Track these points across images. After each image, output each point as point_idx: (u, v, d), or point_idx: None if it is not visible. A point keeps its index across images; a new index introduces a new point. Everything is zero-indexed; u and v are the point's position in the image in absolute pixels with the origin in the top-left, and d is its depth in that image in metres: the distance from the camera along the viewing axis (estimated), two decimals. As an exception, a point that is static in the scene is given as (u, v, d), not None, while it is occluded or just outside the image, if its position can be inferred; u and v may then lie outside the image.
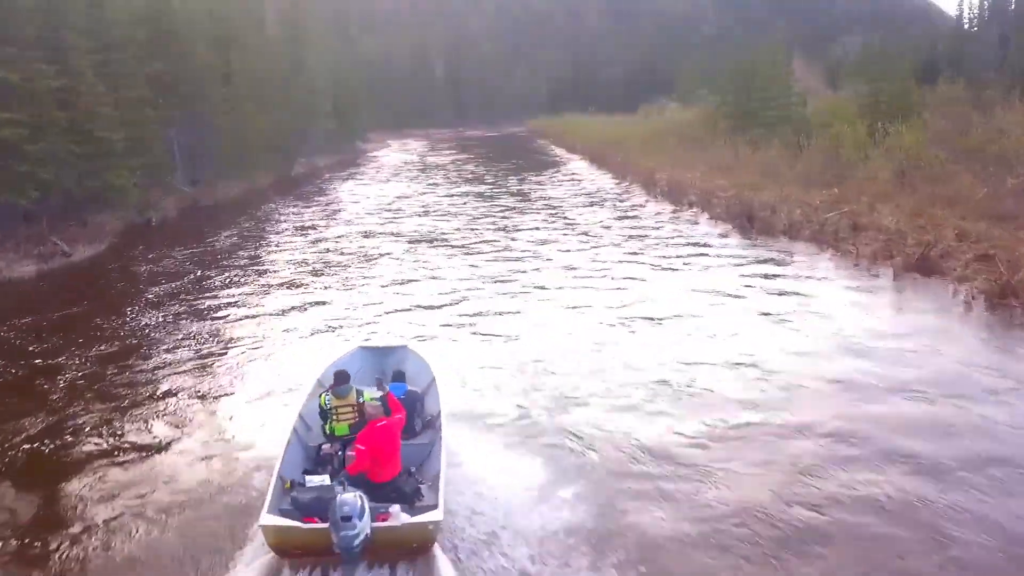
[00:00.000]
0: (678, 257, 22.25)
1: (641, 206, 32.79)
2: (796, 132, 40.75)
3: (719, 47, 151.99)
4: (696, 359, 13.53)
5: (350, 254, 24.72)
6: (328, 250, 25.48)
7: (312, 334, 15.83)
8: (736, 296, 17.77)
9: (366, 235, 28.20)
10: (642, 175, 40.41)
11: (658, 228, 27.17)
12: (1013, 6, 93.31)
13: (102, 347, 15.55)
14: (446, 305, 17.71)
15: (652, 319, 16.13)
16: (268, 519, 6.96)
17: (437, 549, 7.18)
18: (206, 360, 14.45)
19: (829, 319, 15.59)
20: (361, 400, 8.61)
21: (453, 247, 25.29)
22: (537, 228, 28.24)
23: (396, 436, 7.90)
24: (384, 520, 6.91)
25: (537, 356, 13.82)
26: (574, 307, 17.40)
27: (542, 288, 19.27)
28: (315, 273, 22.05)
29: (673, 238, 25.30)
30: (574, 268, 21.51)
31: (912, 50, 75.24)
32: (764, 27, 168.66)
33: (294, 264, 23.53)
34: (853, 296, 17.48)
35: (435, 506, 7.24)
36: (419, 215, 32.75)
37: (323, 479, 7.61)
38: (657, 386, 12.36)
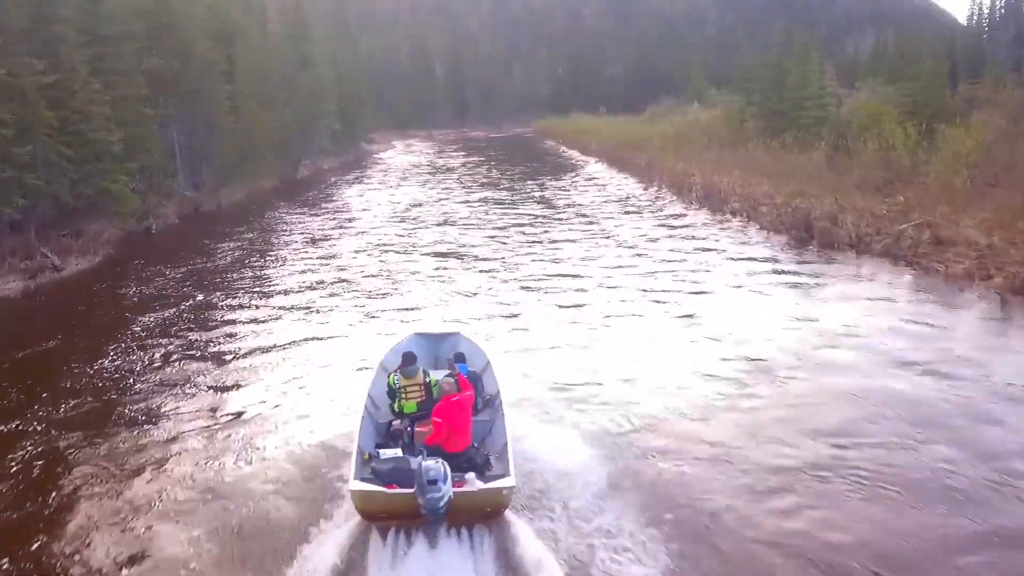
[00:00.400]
0: (738, 275, 19.70)
1: (680, 215, 30.22)
2: (834, 134, 38.55)
3: (721, 47, 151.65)
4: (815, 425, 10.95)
5: (370, 273, 21.61)
6: (344, 267, 22.58)
7: (328, 371, 13.54)
8: (824, 326, 15.17)
9: (384, 248, 25.41)
10: (672, 179, 37.89)
11: (706, 239, 24.65)
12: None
13: (107, 373, 13.12)
14: (492, 336, 15.04)
15: (734, 358, 13.55)
16: (356, 485, 7.49)
17: (509, 513, 7.70)
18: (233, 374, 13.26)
19: (963, 361, 12.87)
20: (427, 380, 9.23)
21: (484, 264, 22.48)
22: (573, 241, 25.63)
23: (468, 411, 8.51)
24: (461, 487, 7.35)
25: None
26: (644, 338, 14.93)
27: (596, 313, 16.77)
28: (332, 294, 19.43)
29: (725, 250, 22.81)
30: (625, 287, 19.02)
31: (929, 50, 73.43)
32: (764, 27, 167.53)
33: (308, 284, 20.77)
34: (972, 327, 15.05)
35: (505, 475, 7.79)
36: (439, 225, 29.97)
37: (396, 452, 8.15)
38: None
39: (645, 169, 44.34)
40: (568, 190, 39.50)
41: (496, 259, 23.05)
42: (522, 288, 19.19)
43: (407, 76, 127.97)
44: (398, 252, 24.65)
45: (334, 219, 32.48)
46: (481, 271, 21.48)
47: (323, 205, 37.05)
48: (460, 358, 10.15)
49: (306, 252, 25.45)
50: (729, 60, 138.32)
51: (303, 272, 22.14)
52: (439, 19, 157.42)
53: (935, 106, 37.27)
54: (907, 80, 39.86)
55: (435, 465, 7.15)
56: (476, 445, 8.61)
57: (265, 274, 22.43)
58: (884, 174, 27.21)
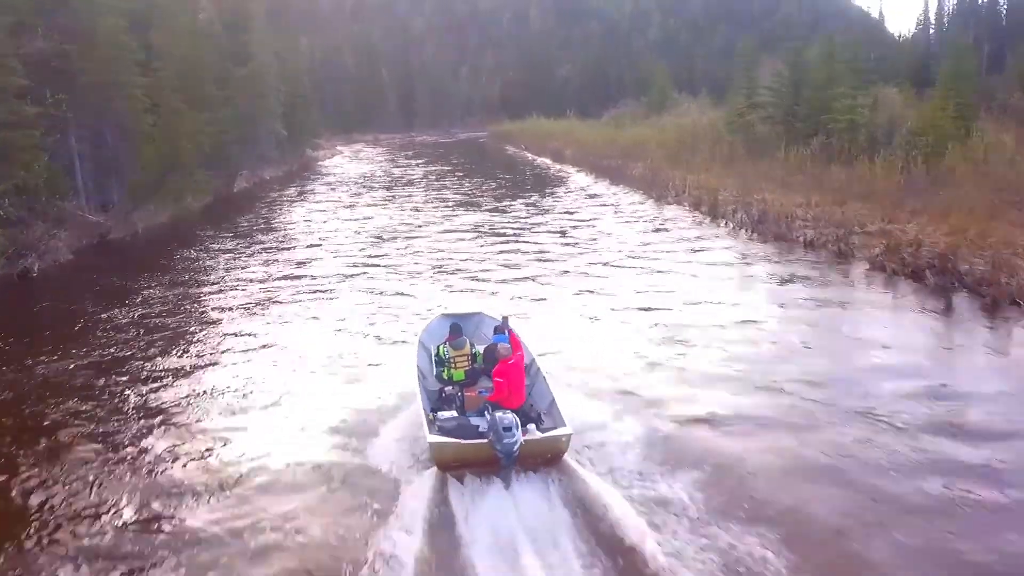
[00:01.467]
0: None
1: (731, 247, 23.04)
2: (872, 141, 32.15)
3: (666, 51, 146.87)
4: None
5: (335, 351, 13.90)
6: (296, 356, 13.76)
7: None
8: None
9: (358, 320, 15.98)
10: (693, 196, 30.94)
11: (809, 287, 17.55)
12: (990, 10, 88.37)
13: None
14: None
15: None
16: (432, 438, 8.46)
17: (566, 457, 8.59)
18: None
19: None
20: (473, 351, 10.39)
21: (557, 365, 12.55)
22: (611, 290, 18.05)
23: (523, 370, 9.53)
24: (525, 436, 8.28)
25: None
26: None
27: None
28: (267, 389, 12.08)
29: (851, 313, 15.86)
30: (726, 363, 12.53)
31: (904, 56, 68.94)
32: (706, 32, 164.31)
33: (244, 364, 13.35)
34: None
35: (556, 426, 8.79)
36: (430, 272, 20.66)
37: (451, 414, 9.16)
38: None
39: (644, 182, 37.37)
40: (574, 212, 31.76)
41: (561, 345, 13.61)
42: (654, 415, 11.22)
43: (351, 78, 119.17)
44: (377, 334, 14.94)
45: (278, 259, 23.47)
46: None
47: (264, 236, 27.92)
48: (499, 330, 10.69)
49: (240, 320, 16.70)
50: (676, 64, 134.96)
51: (233, 365, 13.61)
52: (383, 18, 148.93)
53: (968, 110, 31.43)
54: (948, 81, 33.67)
55: (508, 415, 8.19)
56: (531, 403, 9.45)
57: (178, 341, 14.49)
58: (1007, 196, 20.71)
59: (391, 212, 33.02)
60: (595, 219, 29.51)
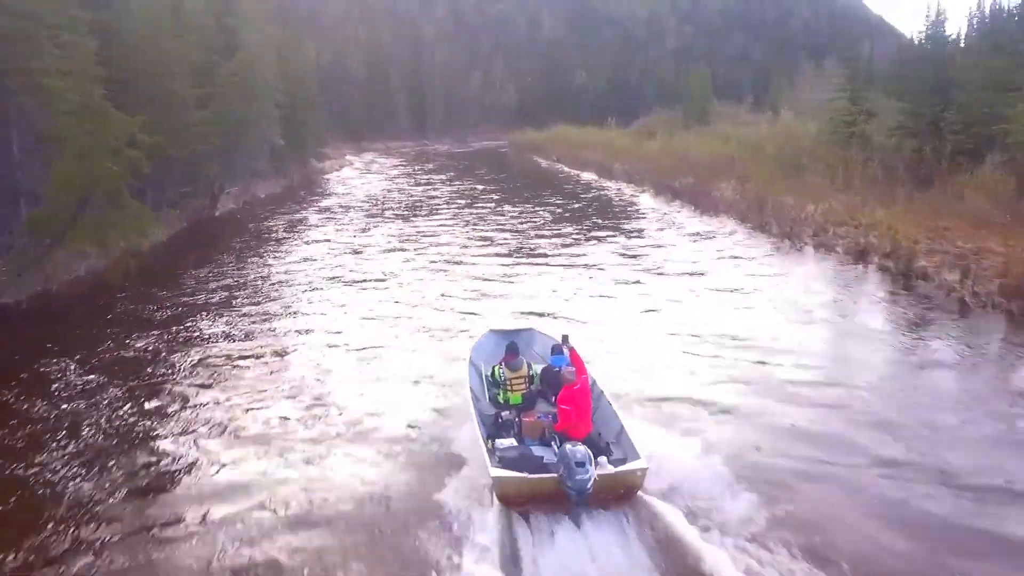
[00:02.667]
0: None
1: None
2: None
3: (683, 59, 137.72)
4: None
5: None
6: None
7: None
8: None
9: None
10: (836, 232, 21.60)
11: None
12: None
13: None
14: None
15: None
16: (496, 472, 7.49)
17: (641, 492, 7.61)
18: None
19: None
20: (531, 372, 9.33)
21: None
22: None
23: (589, 397, 8.46)
24: (596, 469, 7.36)
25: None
26: None
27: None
28: None
29: None
30: None
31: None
32: (723, 41, 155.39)
33: None
34: None
35: (627, 458, 7.85)
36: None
37: (511, 441, 8.25)
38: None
39: (742, 210, 27.98)
40: (678, 260, 21.99)
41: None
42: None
43: (361, 83, 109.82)
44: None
45: (263, 343, 14.45)
46: None
47: (243, 294, 18.47)
48: (556, 350, 9.69)
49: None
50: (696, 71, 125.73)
51: None
52: (392, 22, 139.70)
53: None
54: None
55: (581, 449, 7.32)
56: (599, 432, 8.40)
57: None
58: None
59: (416, 263, 21.93)
60: (699, 263, 20.11)
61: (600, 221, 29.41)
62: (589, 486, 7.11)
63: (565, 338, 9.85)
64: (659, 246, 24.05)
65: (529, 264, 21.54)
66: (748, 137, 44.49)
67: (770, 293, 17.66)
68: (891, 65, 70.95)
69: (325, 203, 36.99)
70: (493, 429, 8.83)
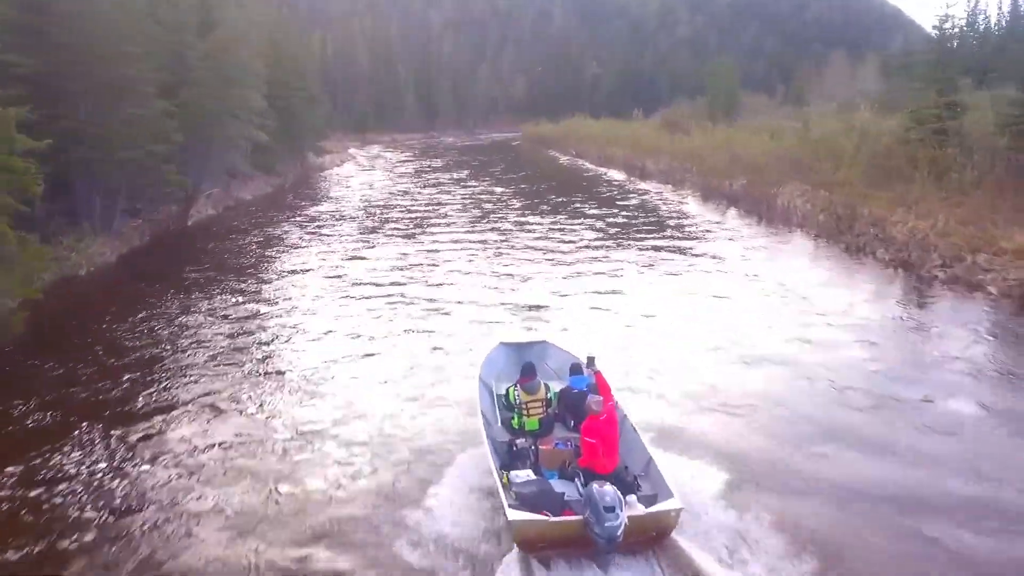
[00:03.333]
0: None
1: None
2: None
3: (695, 51, 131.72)
4: None
5: None
6: None
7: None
8: None
9: None
10: (978, 262, 16.00)
11: None
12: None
13: None
14: None
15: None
16: (515, 515, 6.44)
17: (675, 534, 6.67)
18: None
19: None
20: (549, 396, 8.16)
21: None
22: None
23: (616, 427, 7.39)
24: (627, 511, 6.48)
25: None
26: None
27: None
28: None
29: None
30: None
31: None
32: (734, 32, 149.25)
33: None
34: None
35: (659, 496, 6.85)
36: None
37: (528, 474, 7.25)
38: None
39: (830, 224, 22.37)
40: (790, 301, 16.01)
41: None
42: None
43: (367, 75, 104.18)
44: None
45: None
46: None
47: (197, 341, 13.45)
48: (576, 370, 8.65)
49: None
50: (709, 63, 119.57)
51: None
52: (399, 13, 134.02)
53: None
54: None
55: (609, 491, 6.39)
56: (626, 465, 7.39)
57: None
58: None
59: (424, 314, 15.17)
60: (831, 330, 14.13)
61: (651, 239, 23.63)
62: (619, 532, 6.15)
63: (591, 360, 8.47)
64: (732, 273, 18.47)
65: (581, 305, 15.87)
66: (797, 131, 38.97)
67: (919, 360, 12.14)
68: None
69: (317, 209, 31.24)
70: (507, 458, 7.75)
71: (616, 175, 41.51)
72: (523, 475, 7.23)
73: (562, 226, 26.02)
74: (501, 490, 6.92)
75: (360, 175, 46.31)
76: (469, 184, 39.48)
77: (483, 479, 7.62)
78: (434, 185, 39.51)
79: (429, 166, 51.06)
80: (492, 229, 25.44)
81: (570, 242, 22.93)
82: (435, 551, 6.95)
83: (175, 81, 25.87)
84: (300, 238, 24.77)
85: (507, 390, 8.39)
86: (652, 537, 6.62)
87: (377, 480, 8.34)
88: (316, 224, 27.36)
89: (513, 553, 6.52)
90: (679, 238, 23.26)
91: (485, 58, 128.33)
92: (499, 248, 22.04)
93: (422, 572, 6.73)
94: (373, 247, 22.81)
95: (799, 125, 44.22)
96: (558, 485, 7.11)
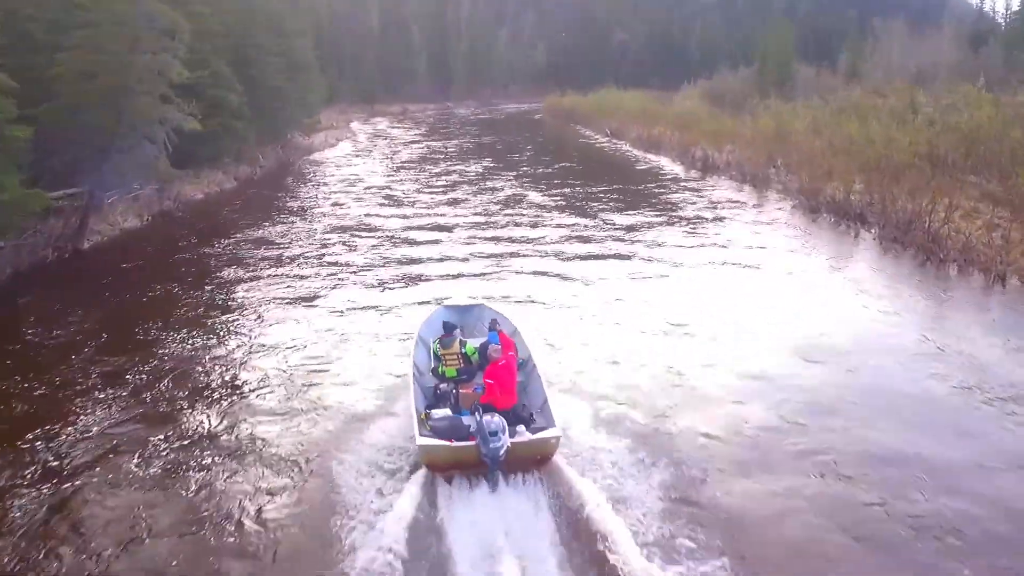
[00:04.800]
0: None
1: None
2: None
3: (731, 16, 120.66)
4: None
5: None
6: None
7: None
8: None
9: None
10: None
11: None
12: None
13: None
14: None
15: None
16: (422, 441, 7.52)
17: (555, 459, 7.67)
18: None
19: None
20: (463, 350, 9.17)
21: None
22: None
23: (515, 372, 8.55)
24: (514, 438, 7.48)
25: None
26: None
27: None
28: None
29: None
30: None
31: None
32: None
33: None
34: None
35: (547, 427, 7.88)
36: None
37: (446, 411, 8.30)
38: None
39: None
40: None
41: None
42: None
43: (376, 39, 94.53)
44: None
45: None
46: None
47: None
48: (494, 325, 9.74)
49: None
50: (741, 29, 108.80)
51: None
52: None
53: None
54: None
55: (495, 419, 7.42)
56: (524, 403, 8.52)
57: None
58: None
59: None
60: None
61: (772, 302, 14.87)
62: (501, 453, 7.20)
63: (494, 321, 9.81)
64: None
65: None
66: (895, 112, 29.87)
67: None
68: None
69: (273, 225, 21.94)
70: (432, 400, 8.91)
71: (670, 166, 32.25)
72: (441, 412, 8.24)
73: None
74: (417, 424, 7.88)
75: (352, 160, 37.22)
76: (487, 180, 30.16)
77: (405, 417, 8.57)
78: (443, 181, 30.32)
79: (438, 149, 41.55)
80: (534, 273, 16.47)
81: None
82: (360, 471, 7.96)
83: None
84: (229, 280, 16.02)
85: (433, 344, 9.49)
86: (537, 460, 7.59)
87: (322, 416, 9.43)
88: (260, 254, 18.51)
89: (421, 473, 7.53)
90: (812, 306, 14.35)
91: (505, 23, 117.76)
92: (559, 318, 13.24)
93: (342, 487, 7.72)
94: (330, 302, 14.08)
95: (879, 102, 35.31)
96: (468, 420, 7.83)
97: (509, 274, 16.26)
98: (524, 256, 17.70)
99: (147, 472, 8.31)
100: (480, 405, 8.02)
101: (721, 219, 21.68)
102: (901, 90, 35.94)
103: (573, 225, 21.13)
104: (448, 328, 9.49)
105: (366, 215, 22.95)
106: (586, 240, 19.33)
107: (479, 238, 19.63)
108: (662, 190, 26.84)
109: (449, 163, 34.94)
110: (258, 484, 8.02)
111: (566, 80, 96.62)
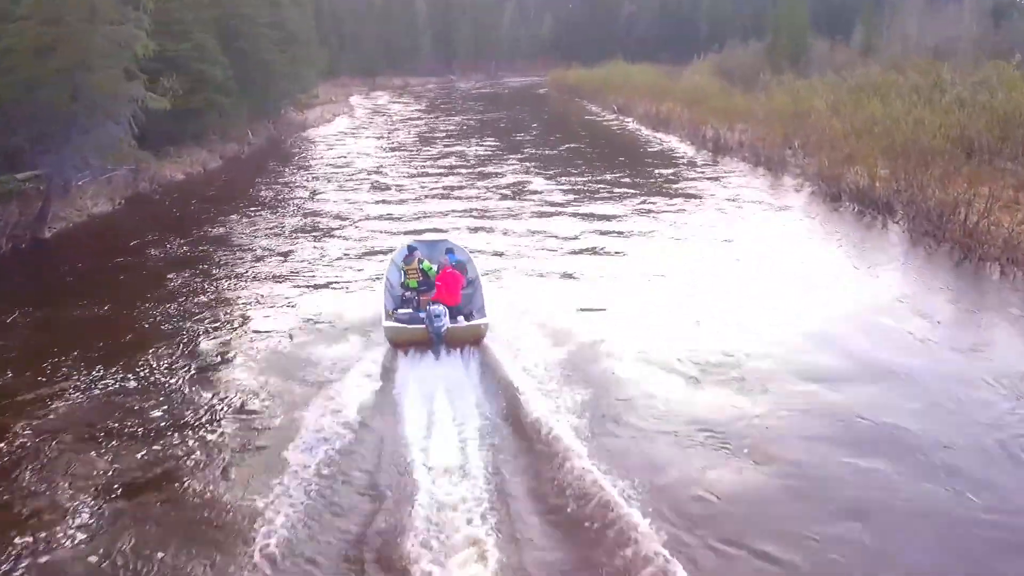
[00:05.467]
0: None
1: None
2: None
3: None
4: None
5: None
6: None
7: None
8: None
9: None
10: None
11: None
12: None
13: None
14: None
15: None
16: (387, 324, 10.26)
17: (486, 342, 10.12)
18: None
19: None
20: (421, 267, 11.76)
21: None
22: None
23: (459, 280, 11.10)
24: (455, 324, 10.14)
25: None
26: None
27: None
28: None
29: None
30: None
31: None
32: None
33: None
34: None
35: (484, 318, 10.46)
36: None
37: (408, 311, 10.81)
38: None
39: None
40: None
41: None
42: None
43: (379, 10, 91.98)
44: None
45: None
46: None
47: None
48: (451, 251, 12.40)
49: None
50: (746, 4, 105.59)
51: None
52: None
53: None
54: None
55: (440, 308, 9.94)
56: (467, 303, 11.14)
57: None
58: None
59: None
60: None
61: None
62: (442, 330, 9.70)
63: (449, 250, 12.44)
64: None
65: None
66: (918, 88, 27.94)
67: None
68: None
69: (251, 211, 20.39)
70: (400, 303, 11.32)
71: (680, 146, 30.42)
72: (404, 311, 10.81)
73: (681, 272, 15.48)
74: (384, 317, 10.54)
75: (347, 138, 35.44)
76: (494, 161, 28.25)
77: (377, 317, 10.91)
78: (444, 162, 28.55)
79: (439, 127, 39.52)
80: (548, 268, 14.96)
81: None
82: (340, 351, 10.47)
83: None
84: (198, 272, 14.46)
85: (399, 264, 12.31)
86: (471, 341, 10.08)
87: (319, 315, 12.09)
88: (232, 242, 16.99)
89: (386, 347, 10.16)
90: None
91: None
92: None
93: (327, 360, 10.20)
94: (302, 299, 12.60)
95: (899, 79, 33.26)
96: (422, 314, 10.23)
97: (509, 265, 14.71)
98: (525, 253, 16.06)
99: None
100: (432, 302, 10.38)
101: (735, 206, 20.00)
102: (922, 66, 33.87)
103: (576, 215, 19.46)
104: (410, 250, 12.33)
105: (349, 202, 21.26)
106: (590, 232, 17.68)
107: (474, 227, 18.00)
108: (671, 173, 25.09)
109: (446, 143, 33.03)
110: (252, 370, 10.12)
111: (572, 54, 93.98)
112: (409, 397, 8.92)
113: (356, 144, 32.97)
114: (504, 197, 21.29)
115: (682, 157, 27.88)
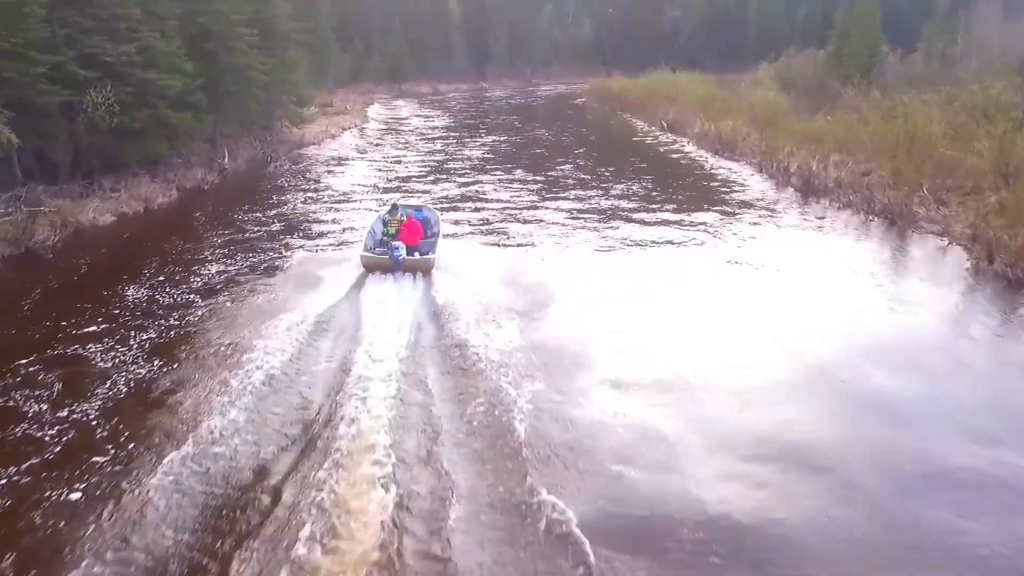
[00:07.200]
0: None
1: None
2: None
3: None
4: None
5: None
6: None
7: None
8: None
9: None
10: None
11: None
12: None
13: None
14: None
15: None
16: (363, 253, 14.27)
17: (434, 272, 13.78)
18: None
19: None
20: (401, 218, 15.18)
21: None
22: None
23: (419, 226, 14.97)
24: (412, 257, 13.91)
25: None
26: None
27: None
28: None
29: None
30: None
31: None
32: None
33: None
34: None
35: (433, 256, 14.18)
36: None
37: (383, 249, 14.30)
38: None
39: None
40: None
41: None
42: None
43: (407, 11, 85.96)
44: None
45: None
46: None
47: None
48: (418, 209, 16.66)
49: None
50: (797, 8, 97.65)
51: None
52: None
53: None
54: None
55: (400, 244, 13.76)
56: (425, 246, 14.65)
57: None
58: None
59: None
60: None
61: None
62: (400, 259, 13.51)
63: (419, 208, 16.84)
64: None
65: None
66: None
67: None
68: None
69: (166, 288, 14.53)
70: (377, 245, 14.85)
71: (753, 181, 23.51)
72: (380, 248, 14.50)
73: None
74: (361, 250, 14.51)
75: (346, 163, 28.99)
76: (522, 211, 21.30)
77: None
78: (451, 212, 22.27)
79: (459, 153, 31.79)
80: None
81: None
82: (328, 274, 14.19)
83: None
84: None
85: (384, 217, 16.00)
86: (423, 271, 13.74)
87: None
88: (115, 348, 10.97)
89: (362, 271, 13.82)
90: None
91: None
92: None
93: (315, 281, 13.88)
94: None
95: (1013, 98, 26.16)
96: (389, 250, 13.91)
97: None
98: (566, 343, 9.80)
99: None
100: (399, 242, 13.99)
101: (855, 282, 13.40)
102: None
103: (631, 283, 13.04)
104: (393, 208, 16.40)
105: (303, 279, 14.94)
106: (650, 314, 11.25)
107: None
108: (750, 218, 18.54)
109: (465, 177, 25.80)
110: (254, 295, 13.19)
111: (613, 59, 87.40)
112: (371, 302, 12.53)
113: (352, 173, 26.53)
114: (538, 278, 14.76)
115: (761, 199, 21.12)
